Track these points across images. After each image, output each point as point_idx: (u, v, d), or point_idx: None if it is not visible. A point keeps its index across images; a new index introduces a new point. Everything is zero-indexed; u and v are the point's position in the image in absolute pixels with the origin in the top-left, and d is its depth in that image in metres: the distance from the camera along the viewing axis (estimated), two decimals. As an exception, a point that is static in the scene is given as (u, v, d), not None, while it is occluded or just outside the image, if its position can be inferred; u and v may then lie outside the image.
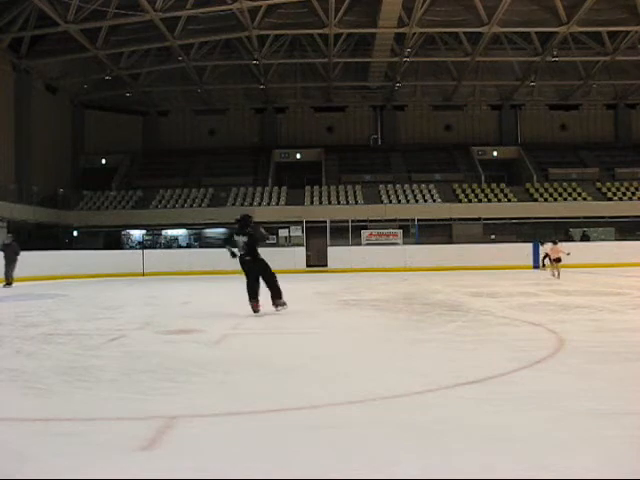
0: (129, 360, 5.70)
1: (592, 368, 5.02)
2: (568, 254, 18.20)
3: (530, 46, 30.82)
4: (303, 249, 25.92)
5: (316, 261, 25.90)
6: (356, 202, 31.79)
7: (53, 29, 25.93)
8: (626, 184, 32.91)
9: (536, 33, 29.51)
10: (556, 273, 18.19)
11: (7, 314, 10.12)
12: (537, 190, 32.89)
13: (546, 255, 20.71)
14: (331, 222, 26.82)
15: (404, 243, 27.09)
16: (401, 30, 27.69)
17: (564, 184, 33.18)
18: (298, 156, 36.33)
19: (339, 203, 31.85)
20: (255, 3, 25.19)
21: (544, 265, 22.37)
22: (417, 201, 31.91)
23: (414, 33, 28.57)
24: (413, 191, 32.87)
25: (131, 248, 30.09)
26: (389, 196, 32.43)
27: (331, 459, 2.98)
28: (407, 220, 28.84)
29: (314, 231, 26.89)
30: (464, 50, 30.72)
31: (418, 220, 28.46)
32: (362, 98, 38.70)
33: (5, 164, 28.30)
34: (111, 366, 5.36)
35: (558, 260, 18.38)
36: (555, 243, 19.17)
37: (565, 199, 32.00)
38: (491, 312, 9.25)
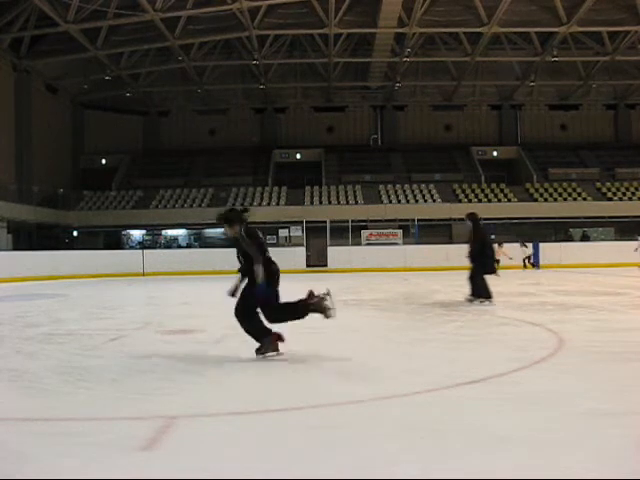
0: (129, 360, 5.69)
1: (592, 368, 5.02)
2: (510, 258, 20.12)
3: (530, 46, 30.82)
4: (303, 249, 25.92)
5: (316, 261, 25.90)
6: (356, 202, 31.80)
7: (53, 29, 25.93)
8: (626, 184, 32.91)
9: (536, 33, 29.52)
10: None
11: (7, 314, 10.12)
12: (537, 190, 32.90)
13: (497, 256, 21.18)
14: (331, 222, 26.82)
15: (404, 243, 27.07)
16: (401, 30, 27.70)
17: (564, 184, 33.19)
18: (298, 156, 36.33)
19: (339, 203, 31.85)
20: (255, 3, 25.19)
21: (526, 265, 23.10)
22: (417, 201, 31.90)
23: (414, 33, 28.57)
24: (413, 191, 32.87)
25: (131, 248, 30.10)
26: (389, 196, 32.43)
27: (331, 459, 2.98)
28: (407, 220, 28.83)
29: (314, 231, 26.89)
30: (464, 50, 30.73)
31: (418, 220, 28.45)
32: (362, 98, 38.70)
33: (5, 164, 28.30)
34: (111, 366, 5.36)
35: (497, 261, 19.51)
36: (500, 245, 20.34)
37: (565, 199, 32.00)
38: (491, 312, 9.25)
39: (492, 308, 9.82)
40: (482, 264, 10.23)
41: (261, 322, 5.57)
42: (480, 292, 10.19)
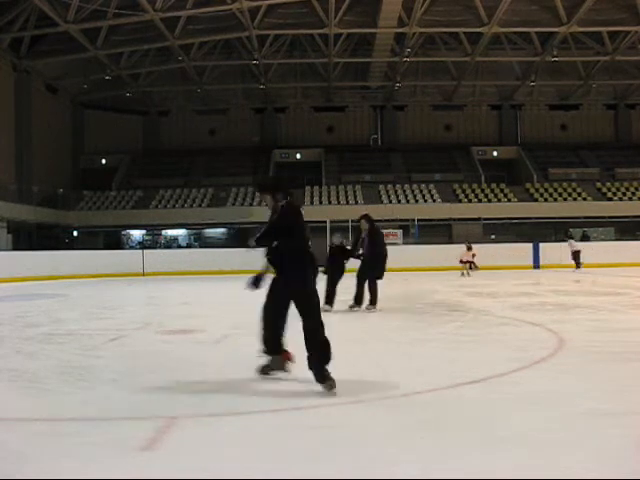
0: (129, 360, 5.70)
1: (592, 368, 5.02)
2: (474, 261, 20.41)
3: (530, 46, 30.80)
4: (303, 249, 25.86)
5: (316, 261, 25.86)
6: (356, 202, 31.77)
7: (53, 29, 25.91)
8: (626, 184, 32.90)
9: (536, 33, 29.49)
10: (465, 273, 19.85)
11: (7, 314, 10.11)
12: (537, 190, 32.89)
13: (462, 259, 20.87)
14: (331, 222, 26.80)
15: (404, 243, 27.06)
16: (401, 30, 27.68)
17: (564, 184, 33.17)
18: (298, 156, 36.32)
19: (339, 203, 31.83)
20: (255, 3, 25.18)
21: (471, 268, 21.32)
22: (417, 201, 31.89)
23: (414, 33, 28.56)
24: (413, 191, 32.86)
25: (131, 248, 30.08)
26: (389, 196, 32.42)
27: (331, 459, 2.98)
28: (407, 220, 28.82)
29: (314, 231, 26.83)
30: (464, 50, 30.71)
31: (418, 220, 28.44)
32: (362, 98, 38.68)
33: (5, 164, 28.28)
34: (111, 366, 5.37)
35: (469, 263, 20.33)
36: (469, 248, 20.67)
37: (565, 199, 31.99)
38: (491, 312, 9.25)
39: (492, 308, 9.82)
40: (375, 268, 9.51)
41: (280, 331, 4.63)
42: (370, 298, 9.53)
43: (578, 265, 22.25)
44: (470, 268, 20.31)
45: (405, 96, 38.02)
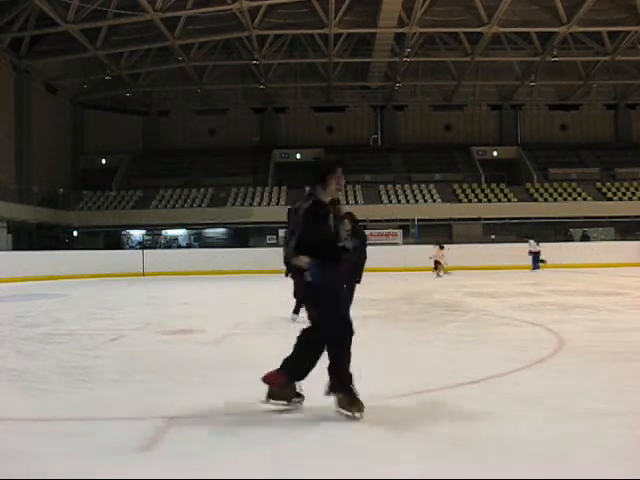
0: (129, 360, 5.70)
1: (592, 368, 5.02)
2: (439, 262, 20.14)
3: (530, 46, 30.81)
4: (303, 249, 25.84)
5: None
6: (356, 202, 31.76)
7: (53, 29, 25.92)
8: (626, 184, 32.90)
9: (536, 33, 29.49)
10: (440, 273, 19.76)
11: (7, 314, 10.11)
12: (537, 190, 32.89)
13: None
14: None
15: (404, 243, 27.05)
16: (401, 30, 27.68)
17: (564, 184, 33.17)
18: (298, 156, 36.30)
19: (339, 203, 31.80)
20: (255, 3, 25.18)
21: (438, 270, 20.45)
22: (417, 201, 31.89)
23: (414, 33, 28.56)
24: (413, 191, 32.86)
25: (131, 248, 30.07)
26: (389, 196, 32.42)
27: (331, 459, 2.98)
28: (407, 220, 28.82)
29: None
30: (464, 50, 30.71)
31: (418, 220, 28.43)
32: (362, 98, 38.69)
33: (5, 164, 28.27)
34: (111, 366, 5.37)
35: (439, 263, 20.19)
36: (441, 247, 20.55)
37: (565, 199, 31.99)
38: (491, 312, 9.25)
39: (492, 308, 9.82)
40: (354, 272, 8.19)
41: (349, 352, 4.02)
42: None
43: (537, 266, 22.29)
44: (436, 268, 20.23)
45: (405, 96, 38.02)
